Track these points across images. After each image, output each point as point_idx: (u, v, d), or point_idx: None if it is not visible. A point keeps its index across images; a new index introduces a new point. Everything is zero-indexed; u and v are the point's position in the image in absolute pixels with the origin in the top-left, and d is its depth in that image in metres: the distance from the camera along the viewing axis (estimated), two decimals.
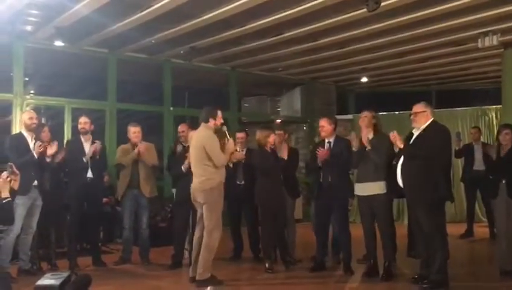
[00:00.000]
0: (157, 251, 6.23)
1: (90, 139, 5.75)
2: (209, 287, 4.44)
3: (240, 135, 6.11)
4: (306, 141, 10.54)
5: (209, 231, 4.78)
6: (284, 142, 5.89)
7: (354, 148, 5.02)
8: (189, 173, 5.38)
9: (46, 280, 4.32)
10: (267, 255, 5.48)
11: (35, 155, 5.14)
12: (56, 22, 6.38)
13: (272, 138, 5.52)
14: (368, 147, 4.91)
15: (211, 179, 4.81)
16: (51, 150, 5.23)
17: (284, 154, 5.62)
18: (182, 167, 5.57)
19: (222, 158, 4.86)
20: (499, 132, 5.18)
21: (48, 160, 5.30)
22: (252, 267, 5.68)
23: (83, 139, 5.76)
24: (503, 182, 4.90)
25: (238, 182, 5.95)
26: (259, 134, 5.64)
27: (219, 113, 4.96)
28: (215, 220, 4.80)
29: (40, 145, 5.14)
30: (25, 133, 5.30)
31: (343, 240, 5.35)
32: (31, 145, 5.23)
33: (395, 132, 4.66)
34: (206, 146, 4.82)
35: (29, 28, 6.82)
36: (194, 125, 5.65)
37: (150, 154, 5.93)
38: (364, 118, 5.08)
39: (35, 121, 5.31)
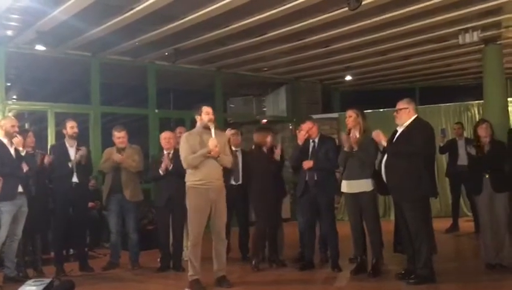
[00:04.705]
0: (145, 254, 6.20)
1: (76, 144, 5.70)
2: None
3: (229, 132, 6.07)
4: (292, 140, 10.56)
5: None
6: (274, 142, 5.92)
7: (345, 149, 5.04)
8: (166, 175, 5.49)
9: (27, 287, 4.28)
10: (256, 254, 5.51)
11: (24, 169, 5.13)
12: (37, 26, 6.30)
13: (269, 139, 5.54)
14: (355, 148, 4.94)
15: (186, 181, 4.78)
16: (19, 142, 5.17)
17: (277, 154, 5.62)
18: (160, 170, 5.58)
19: (186, 160, 4.69)
20: (476, 127, 5.21)
21: (23, 153, 5.22)
22: (240, 267, 5.67)
23: (67, 144, 5.69)
24: (487, 176, 4.98)
25: (233, 183, 5.89)
26: (257, 135, 5.66)
27: (203, 108, 4.79)
28: (191, 223, 4.71)
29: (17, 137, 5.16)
30: (4, 140, 5.23)
31: (331, 238, 5.38)
32: (11, 150, 5.18)
33: (377, 131, 4.70)
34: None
35: (9, 32, 6.73)
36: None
37: (134, 159, 5.87)
38: (349, 117, 5.10)
39: (17, 129, 5.24)
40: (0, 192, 4.97)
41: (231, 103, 11.11)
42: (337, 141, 5.89)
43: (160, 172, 5.60)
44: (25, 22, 6.27)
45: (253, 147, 5.86)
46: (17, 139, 5.16)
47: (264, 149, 5.61)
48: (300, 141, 5.38)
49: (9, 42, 7.08)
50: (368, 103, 9.19)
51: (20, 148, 5.20)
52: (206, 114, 4.77)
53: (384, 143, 4.64)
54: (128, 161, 5.81)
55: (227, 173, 5.88)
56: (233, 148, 5.95)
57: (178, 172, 5.41)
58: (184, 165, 4.76)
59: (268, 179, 5.55)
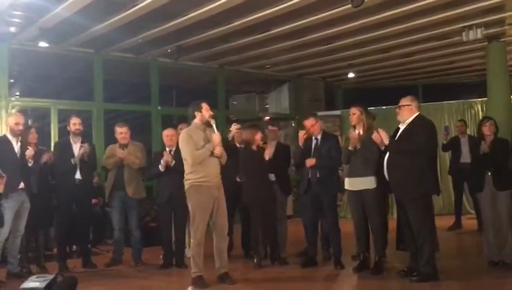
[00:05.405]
0: (148, 250, 6.21)
1: (80, 141, 5.70)
2: (189, 288, 4.45)
3: (234, 127, 6.04)
4: (295, 137, 10.55)
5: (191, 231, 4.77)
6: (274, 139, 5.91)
7: (350, 148, 5.02)
8: (167, 172, 5.48)
9: (31, 283, 4.29)
10: (256, 251, 5.51)
11: (30, 162, 5.18)
12: (40, 23, 6.32)
13: (259, 137, 5.52)
14: (358, 146, 4.93)
15: (187, 180, 4.73)
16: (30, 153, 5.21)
17: (270, 152, 5.57)
18: (160, 167, 5.58)
19: (193, 155, 4.61)
20: (480, 125, 5.22)
21: (30, 164, 5.25)
22: (242, 265, 5.68)
23: (71, 141, 5.68)
24: (489, 173, 4.97)
25: (238, 180, 5.83)
26: (245, 133, 5.64)
27: (204, 105, 4.77)
28: (194, 222, 4.64)
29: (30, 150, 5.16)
30: (9, 136, 5.24)
31: (333, 236, 5.38)
32: (16, 148, 5.19)
33: (379, 130, 4.68)
34: (179, 144, 4.80)
35: (12, 29, 6.74)
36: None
37: (137, 156, 5.86)
38: (353, 115, 5.09)
39: (21, 127, 5.23)
40: (4, 189, 4.98)
41: (234, 100, 11.12)
42: (340, 139, 5.86)
43: (160, 168, 5.60)
44: (27, 18, 6.28)
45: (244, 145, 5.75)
46: (30, 153, 5.17)
47: (254, 147, 5.56)
48: (300, 142, 5.37)
49: (12, 39, 7.09)
50: (370, 100, 9.17)
51: (30, 160, 5.20)
52: (206, 110, 4.77)
53: (386, 142, 4.62)
54: (131, 157, 5.81)
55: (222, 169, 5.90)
56: (238, 144, 5.95)
57: (179, 169, 5.42)
58: (189, 160, 4.66)
59: (260, 177, 5.48)
